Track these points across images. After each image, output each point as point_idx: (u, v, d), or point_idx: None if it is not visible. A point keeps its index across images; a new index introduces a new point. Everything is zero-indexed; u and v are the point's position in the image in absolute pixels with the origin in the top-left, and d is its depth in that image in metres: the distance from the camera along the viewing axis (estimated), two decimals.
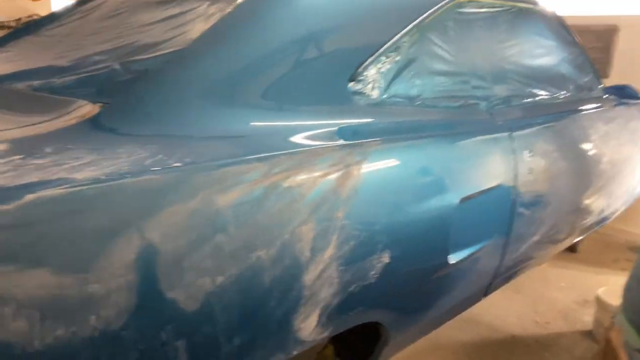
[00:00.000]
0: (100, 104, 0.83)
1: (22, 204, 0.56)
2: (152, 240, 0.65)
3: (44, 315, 0.56)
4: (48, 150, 0.67)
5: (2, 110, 0.92)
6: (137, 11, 1.49)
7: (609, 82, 3.71)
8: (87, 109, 0.81)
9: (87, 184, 0.61)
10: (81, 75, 1.05)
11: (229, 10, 1.06)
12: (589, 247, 3.75)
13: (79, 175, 0.62)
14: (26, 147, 0.68)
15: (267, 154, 0.82)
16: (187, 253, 0.69)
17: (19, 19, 2.48)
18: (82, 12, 1.72)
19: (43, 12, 2.60)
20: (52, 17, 1.78)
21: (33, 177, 0.60)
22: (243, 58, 0.93)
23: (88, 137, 0.73)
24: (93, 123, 0.76)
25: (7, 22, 2.51)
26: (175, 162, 0.71)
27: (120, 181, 0.64)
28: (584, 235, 2.51)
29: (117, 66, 1.03)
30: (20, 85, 1.08)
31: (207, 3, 1.24)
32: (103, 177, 0.64)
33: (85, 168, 0.64)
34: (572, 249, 3.65)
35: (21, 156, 0.64)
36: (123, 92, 0.87)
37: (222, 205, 0.73)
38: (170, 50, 1.01)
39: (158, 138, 0.77)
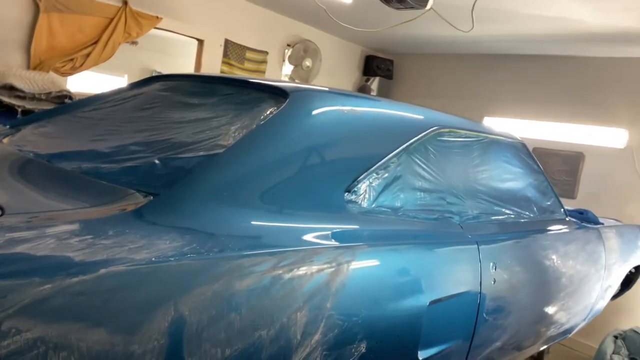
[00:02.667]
0: (148, 196, 1.03)
1: (96, 276, 0.73)
2: (183, 313, 0.82)
3: None
4: (110, 232, 0.85)
5: (62, 190, 1.11)
6: (169, 108, 1.73)
7: (576, 202, 4.06)
8: (137, 198, 1.01)
9: (143, 264, 0.79)
10: (123, 165, 1.25)
11: (253, 126, 1.30)
12: (555, 358, 3.87)
13: (136, 256, 0.80)
14: (93, 227, 0.86)
15: (276, 250, 1.01)
16: (206, 326, 0.85)
17: (50, 93, 2.74)
18: (116, 100, 1.95)
19: (72, 88, 2.88)
20: (88, 101, 2.01)
21: (104, 255, 0.77)
22: (265, 169, 1.16)
23: (140, 224, 0.92)
24: (144, 212, 0.95)
25: (38, 94, 2.76)
26: (206, 251, 0.90)
27: (166, 263, 0.82)
28: (546, 346, 2.66)
29: (156, 160, 1.24)
30: (68, 167, 1.28)
31: (232, 114, 1.49)
32: (154, 259, 0.82)
33: (140, 250, 0.82)
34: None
35: (91, 236, 0.82)
36: (167, 187, 1.06)
37: (238, 289, 0.91)
38: (203, 154, 1.23)
39: (194, 231, 0.95)
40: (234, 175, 1.12)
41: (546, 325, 2.23)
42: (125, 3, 3.53)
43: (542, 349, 2.95)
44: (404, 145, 1.57)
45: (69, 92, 2.82)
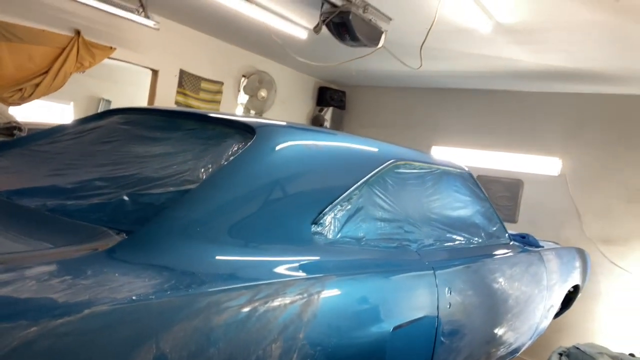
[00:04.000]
0: (121, 233, 1.04)
1: (81, 316, 0.74)
2: (164, 350, 0.83)
3: None
4: (89, 272, 0.86)
5: (29, 229, 1.10)
6: (131, 142, 1.73)
7: (517, 226, 4.32)
8: (109, 236, 1.02)
9: (125, 303, 0.81)
10: (90, 202, 1.25)
11: (223, 162, 1.34)
12: None
13: (118, 296, 0.82)
14: (71, 268, 0.86)
15: (251, 283, 1.05)
16: None
17: None
18: (73, 134, 1.91)
19: (30, 117, 2.78)
20: (43, 134, 1.96)
21: (86, 295, 0.79)
22: (236, 204, 1.20)
23: (117, 263, 0.93)
24: (119, 251, 0.96)
25: None
26: (184, 288, 0.92)
27: (147, 302, 0.84)
28: None
29: (125, 197, 1.25)
30: (31, 204, 1.26)
31: (198, 149, 1.52)
32: (134, 298, 0.83)
33: (121, 290, 0.84)
34: None
35: (70, 276, 0.83)
36: (138, 224, 1.08)
37: (216, 324, 0.93)
38: (172, 189, 1.25)
39: (170, 268, 0.98)
40: (206, 211, 1.15)
41: (496, 345, 2.35)
42: (78, 33, 3.49)
43: None
44: (365, 178, 1.66)
45: (17, 123, 2.73)
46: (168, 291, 0.89)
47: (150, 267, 0.95)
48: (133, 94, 7.05)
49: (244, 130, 1.51)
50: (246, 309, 1.00)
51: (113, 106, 6.60)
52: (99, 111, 6.79)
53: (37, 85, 3.31)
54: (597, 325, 4.17)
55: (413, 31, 3.17)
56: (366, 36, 2.86)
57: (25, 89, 3.26)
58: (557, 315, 3.37)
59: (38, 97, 3.40)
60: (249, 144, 1.41)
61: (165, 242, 1.03)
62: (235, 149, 1.42)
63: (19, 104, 3.31)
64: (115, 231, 1.06)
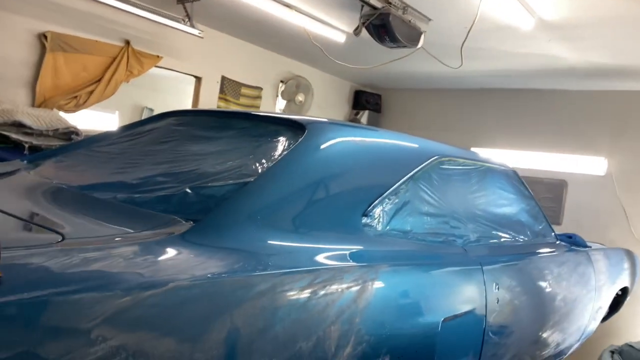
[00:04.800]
0: (188, 221, 1.11)
1: (166, 289, 0.82)
2: (237, 325, 0.90)
3: None
4: (167, 253, 0.94)
5: (105, 217, 1.19)
6: (187, 141, 1.83)
7: (561, 228, 4.22)
8: (180, 223, 1.09)
9: (203, 280, 0.88)
10: (156, 194, 1.34)
11: (277, 156, 1.41)
12: None
13: (196, 273, 0.89)
14: (151, 249, 0.94)
15: (311, 268, 1.10)
16: (256, 338, 0.93)
17: (57, 129, 2.81)
18: (131, 135, 2.03)
19: (79, 125, 2.96)
20: (102, 137, 2.09)
21: (168, 272, 0.86)
22: (292, 195, 1.26)
23: (190, 245, 1.00)
24: (190, 235, 1.04)
25: (45, 131, 2.83)
26: (252, 269, 0.99)
27: (221, 279, 0.91)
28: None
29: (188, 189, 1.33)
30: (105, 197, 1.36)
31: (252, 146, 1.59)
32: (210, 275, 0.90)
33: (197, 267, 0.91)
34: None
35: (152, 256, 0.91)
36: (202, 213, 1.15)
37: (281, 304, 0.99)
38: (232, 182, 1.33)
39: (237, 250, 1.04)
40: (266, 200, 1.22)
41: (543, 345, 2.32)
42: (127, 43, 3.67)
43: None
44: (411, 173, 1.69)
45: (75, 128, 2.90)
46: (238, 271, 0.96)
47: (220, 250, 1.02)
48: (175, 102, 7.32)
49: (295, 128, 1.57)
50: (307, 292, 1.05)
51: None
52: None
53: (91, 93, 3.50)
54: None
55: (452, 31, 3.18)
56: (406, 37, 2.89)
57: (80, 96, 3.45)
58: (604, 318, 3.28)
59: (91, 105, 3.59)
60: (300, 139, 1.47)
61: (232, 228, 1.09)
62: (288, 144, 1.49)
63: (74, 111, 3.51)
64: (183, 219, 1.14)
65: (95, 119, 6.84)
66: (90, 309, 0.73)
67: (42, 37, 3.27)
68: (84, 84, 3.47)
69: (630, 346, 2.32)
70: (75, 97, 3.44)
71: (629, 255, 3.49)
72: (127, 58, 3.64)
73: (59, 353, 0.68)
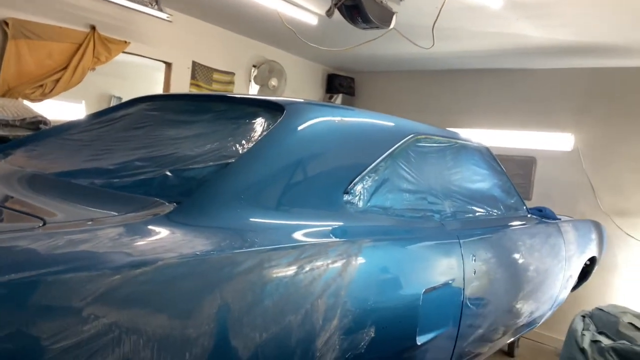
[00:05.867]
0: (172, 202, 1.11)
1: (155, 267, 0.82)
2: (226, 300, 0.91)
3: (160, 348, 0.79)
4: (153, 233, 0.94)
5: (86, 201, 1.17)
6: (162, 126, 1.81)
7: (531, 203, 4.35)
8: (163, 205, 1.09)
9: (191, 257, 0.88)
10: (137, 178, 1.33)
11: (257, 137, 1.41)
12: (524, 352, 4.10)
13: (184, 251, 0.89)
14: (137, 229, 0.94)
15: (296, 244, 1.12)
16: (247, 312, 0.94)
17: (24, 119, 2.72)
18: (103, 122, 1.99)
19: (47, 115, 2.87)
20: (73, 124, 2.04)
21: (156, 250, 0.86)
22: (274, 174, 1.27)
23: (176, 225, 1.00)
24: (175, 216, 1.04)
25: (12, 121, 2.74)
26: (239, 246, 1.00)
27: (208, 257, 0.92)
28: (518, 336, 2.85)
29: (169, 173, 1.32)
30: (83, 182, 1.34)
31: (231, 128, 1.59)
32: (198, 253, 0.91)
33: (185, 246, 0.91)
34: (510, 353, 3.99)
35: (138, 236, 0.91)
36: (185, 195, 1.15)
37: (269, 279, 1.01)
38: (213, 164, 1.32)
39: (223, 229, 1.05)
40: (249, 180, 1.22)
41: (518, 314, 2.42)
42: (93, 28, 3.56)
43: (512, 340, 3.15)
44: (389, 151, 1.72)
45: (43, 117, 2.81)
46: (226, 249, 0.97)
47: (206, 229, 1.03)
48: (144, 89, 7.14)
49: (274, 109, 1.57)
50: (293, 267, 1.07)
51: None
52: None
53: (57, 81, 3.39)
54: (614, 296, 4.21)
55: (423, 11, 3.20)
56: (378, 18, 2.90)
57: (46, 85, 3.34)
58: (574, 287, 3.42)
59: (58, 93, 3.48)
60: (279, 120, 1.47)
61: (216, 207, 1.10)
62: (267, 125, 1.49)
63: (40, 100, 3.40)
64: (166, 201, 1.13)
65: (61, 109, 6.63)
66: (81, 288, 0.73)
67: (3, 24, 3.14)
68: (50, 72, 3.36)
69: (600, 309, 2.44)
70: (41, 85, 3.33)
71: (597, 226, 3.64)
72: (93, 44, 3.53)
73: (52, 332, 0.68)
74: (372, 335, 1.27)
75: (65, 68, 3.43)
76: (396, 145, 1.78)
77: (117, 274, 0.77)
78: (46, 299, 0.70)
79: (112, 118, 2.02)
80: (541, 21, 3.29)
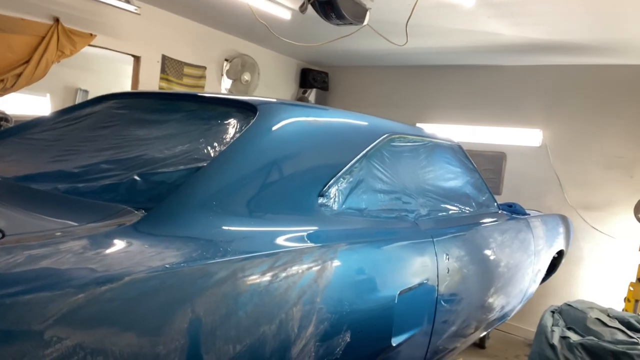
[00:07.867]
0: (139, 210, 1.07)
1: (122, 283, 0.78)
2: (199, 313, 0.88)
3: None
4: (119, 245, 0.90)
5: (49, 210, 1.11)
6: (130, 126, 1.74)
7: (502, 197, 4.44)
8: (130, 213, 1.05)
9: (160, 271, 0.85)
10: (103, 182, 1.27)
11: (229, 140, 1.37)
12: (494, 344, 4.20)
13: (152, 264, 0.85)
14: (102, 242, 0.89)
15: (270, 252, 1.09)
16: (220, 325, 0.92)
17: None
18: (67, 121, 1.91)
19: (6, 110, 2.74)
20: (35, 123, 1.94)
21: (122, 265, 0.82)
22: (247, 179, 1.24)
23: (144, 236, 0.96)
24: (143, 225, 1.00)
25: None
26: (211, 256, 0.97)
27: (179, 269, 0.88)
28: (489, 330, 2.90)
29: (137, 177, 1.27)
30: (46, 187, 1.27)
31: (202, 129, 1.54)
32: (167, 266, 0.87)
33: (154, 258, 0.88)
34: (481, 345, 4.07)
35: (103, 249, 0.86)
36: (154, 201, 1.11)
37: (242, 289, 0.98)
38: (183, 168, 1.28)
39: (194, 239, 1.02)
40: (221, 186, 1.19)
41: (490, 309, 2.46)
42: (57, 21, 3.42)
43: (484, 334, 3.22)
44: (364, 152, 1.71)
45: (4, 114, 2.69)
46: (197, 260, 0.93)
47: (176, 239, 0.99)
48: (112, 83, 6.94)
49: (246, 109, 1.54)
50: (268, 275, 1.05)
51: (91, 97, 6.46)
52: (77, 102, 6.67)
53: (19, 75, 3.24)
54: (580, 288, 4.35)
55: (397, 9, 3.20)
56: (352, 14, 2.88)
57: (7, 79, 3.19)
58: (543, 280, 3.51)
59: (20, 88, 3.33)
60: (252, 121, 1.44)
61: (187, 216, 1.06)
62: (240, 126, 1.45)
63: (1, 95, 3.25)
64: (133, 208, 1.09)
65: (25, 103, 6.38)
66: (42, 309, 0.69)
67: None
68: (11, 66, 3.20)
69: (569, 305, 2.51)
70: (2, 80, 3.17)
71: (564, 220, 3.75)
72: (57, 37, 3.39)
73: (14, 358, 0.64)
74: (348, 340, 1.27)
75: (28, 62, 3.28)
76: (371, 146, 1.77)
77: (81, 292, 0.73)
78: (5, 323, 0.66)
79: (78, 116, 1.94)
80: (512, 19, 3.33)
